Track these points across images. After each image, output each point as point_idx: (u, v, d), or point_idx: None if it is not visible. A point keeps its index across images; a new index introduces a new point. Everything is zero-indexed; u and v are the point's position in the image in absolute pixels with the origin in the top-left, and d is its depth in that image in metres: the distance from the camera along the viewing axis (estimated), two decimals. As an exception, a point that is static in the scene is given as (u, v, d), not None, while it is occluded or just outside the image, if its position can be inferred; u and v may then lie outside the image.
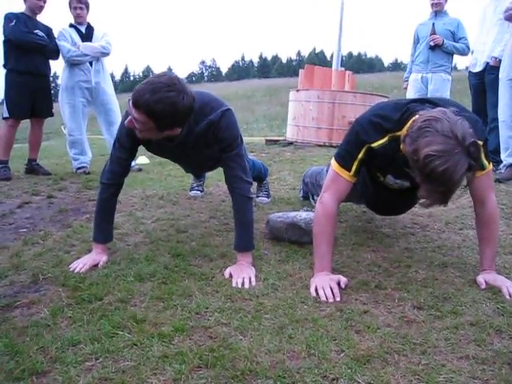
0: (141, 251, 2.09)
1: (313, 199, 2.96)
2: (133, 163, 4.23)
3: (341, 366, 1.23)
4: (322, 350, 1.30)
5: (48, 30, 4.15)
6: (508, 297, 1.65)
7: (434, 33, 4.69)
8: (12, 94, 3.98)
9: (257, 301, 1.61)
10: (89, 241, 2.15)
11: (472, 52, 4.47)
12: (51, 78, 4.48)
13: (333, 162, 1.83)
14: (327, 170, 2.46)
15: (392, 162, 1.72)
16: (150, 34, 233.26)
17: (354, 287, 1.74)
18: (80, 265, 1.88)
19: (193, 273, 1.84)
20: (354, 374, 1.20)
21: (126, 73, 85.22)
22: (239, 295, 1.65)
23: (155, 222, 2.59)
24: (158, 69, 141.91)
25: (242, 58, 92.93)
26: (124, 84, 72.92)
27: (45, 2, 4.06)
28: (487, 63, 4.05)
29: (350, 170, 1.76)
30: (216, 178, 3.56)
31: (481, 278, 1.77)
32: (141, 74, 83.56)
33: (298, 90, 6.80)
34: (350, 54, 77.98)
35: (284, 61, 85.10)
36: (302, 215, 2.23)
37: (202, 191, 3.27)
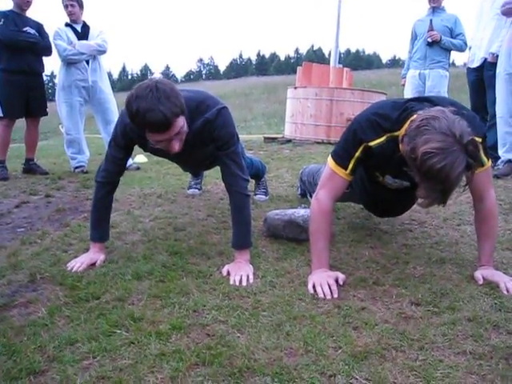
0: (138, 250, 2.09)
1: (310, 197, 2.96)
2: (131, 161, 4.23)
3: (338, 363, 1.23)
4: (319, 346, 1.30)
5: (39, 27, 4.14)
6: (505, 292, 1.65)
7: (431, 29, 4.69)
8: (5, 94, 3.96)
9: (254, 298, 1.61)
10: (86, 240, 2.15)
11: (470, 48, 4.47)
12: (48, 77, 4.49)
13: (329, 159, 1.83)
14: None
15: (390, 162, 1.72)
16: (147, 32, 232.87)
17: (352, 284, 1.74)
18: (77, 264, 1.88)
19: (190, 271, 1.84)
20: (351, 370, 1.20)
21: (123, 71, 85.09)
22: (237, 293, 1.65)
23: (153, 220, 2.59)
24: (156, 67, 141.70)
25: (240, 56, 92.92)
26: (122, 82, 72.86)
27: None
28: (485, 59, 4.04)
29: (346, 169, 1.76)
30: (214, 176, 3.55)
31: (478, 274, 1.77)
32: (139, 73, 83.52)
33: (295, 88, 6.80)
34: (348, 51, 77.95)
35: (282, 58, 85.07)
36: (300, 212, 2.23)
37: (199, 189, 3.27)
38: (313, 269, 1.77)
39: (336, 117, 6.26)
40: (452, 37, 4.74)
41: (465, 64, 4.81)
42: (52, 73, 47.66)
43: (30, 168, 4.22)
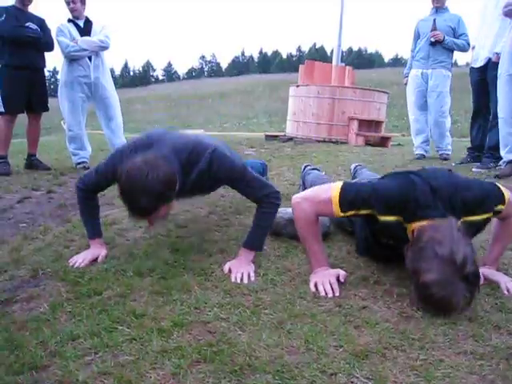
0: (140, 246, 2.09)
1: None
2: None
3: (339, 361, 1.23)
4: (320, 345, 1.30)
5: (41, 22, 4.13)
6: (506, 292, 1.65)
7: (435, 29, 4.68)
8: (7, 89, 3.96)
9: (256, 296, 1.61)
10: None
11: (473, 47, 4.46)
12: (51, 73, 4.49)
13: (337, 189, 1.70)
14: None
15: (393, 234, 1.71)
16: (149, 28, 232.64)
17: (353, 283, 1.74)
18: (79, 259, 1.89)
19: (192, 268, 1.84)
20: (352, 369, 1.20)
21: (125, 68, 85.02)
22: (238, 290, 1.66)
23: (155, 217, 2.58)
24: (158, 64, 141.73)
25: (242, 54, 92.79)
26: (124, 79, 72.90)
27: None
28: (489, 59, 4.03)
29: (344, 212, 1.69)
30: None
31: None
32: (140, 69, 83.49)
33: (297, 86, 6.80)
34: (350, 50, 77.82)
35: (284, 56, 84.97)
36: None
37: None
38: (313, 269, 1.77)
39: (338, 115, 6.27)
40: (455, 37, 4.72)
41: (467, 64, 4.80)
42: (54, 68, 47.64)
43: (32, 163, 4.23)
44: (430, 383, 1.15)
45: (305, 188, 2.94)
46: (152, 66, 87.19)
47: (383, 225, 1.67)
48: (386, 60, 77.44)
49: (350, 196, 1.69)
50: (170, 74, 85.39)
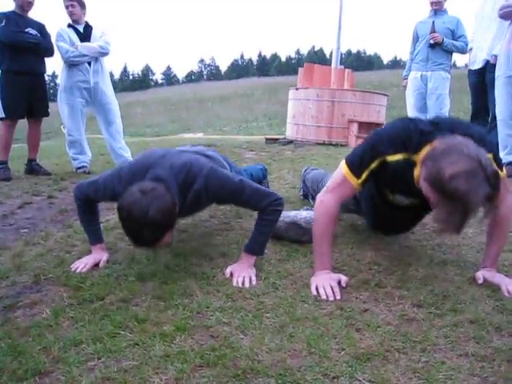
0: (141, 251, 2.09)
1: (313, 200, 2.96)
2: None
3: (341, 365, 1.24)
4: (322, 348, 1.31)
5: (40, 27, 4.14)
6: (507, 294, 1.66)
7: (433, 31, 4.69)
8: (7, 95, 3.97)
9: (257, 300, 1.62)
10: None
11: (470, 49, 4.47)
12: (50, 78, 4.50)
13: (343, 165, 1.79)
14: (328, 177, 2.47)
15: (401, 181, 1.72)
16: (149, 32, 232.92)
17: (355, 285, 1.75)
18: (81, 265, 1.89)
19: (193, 272, 1.85)
20: (354, 372, 1.21)
21: (125, 72, 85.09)
22: (240, 294, 1.66)
23: (156, 221, 2.59)
24: (157, 68, 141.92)
25: (241, 57, 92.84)
26: (123, 83, 72.93)
27: None
28: (487, 61, 4.05)
29: (359, 178, 1.74)
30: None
31: (479, 274, 1.79)
32: (140, 73, 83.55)
33: (297, 89, 6.81)
34: (349, 52, 77.91)
35: (283, 59, 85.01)
36: (303, 214, 2.23)
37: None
38: (315, 270, 1.78)
39: (337, 118, 6.27)
40: (454, 39, 4.74)
41: (466, 65, 4.81)
42: (53, 73, 47.69)
43: (33, 168, 4.23)
44: (432, 386, 1.16)
45: (306, 188, 2.94)
46: (151, 70, 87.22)
47: (391, 168, 1.68)
48: (385, 62, 77.49)
49: (357, 159, 1.76)
50: (170, 78, 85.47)
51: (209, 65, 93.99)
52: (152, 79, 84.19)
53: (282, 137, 6.98)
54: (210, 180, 1.85)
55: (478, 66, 4.18)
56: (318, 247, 1.80)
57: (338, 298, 1.63)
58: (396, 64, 62.30)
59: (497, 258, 1.84)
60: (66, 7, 4.19)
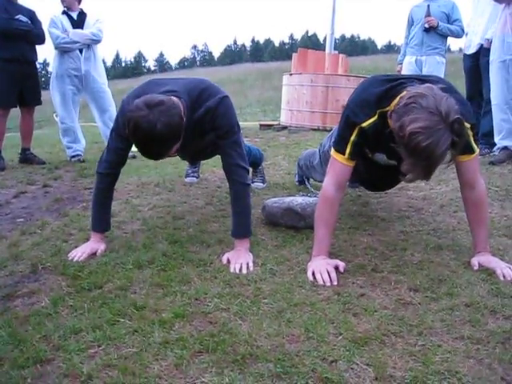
0: (138, 239, 2.10)
1: (308, 182, 2.97)
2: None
3: (339, 349, 1.25)
4: (320, 333, 1.32)
5: (31, 14, 4.08)
6: (502, 278, 1.68)
7: (428, 15, 4.66)
8: None
9: (255, 286, 1.63)
10: (86, 229, 2.16)
11: (466, 34, 4.45)
12: (42, 65, 4.45)
13: (332, 149, 1.85)
14: (320, 151, 2.49)
15: (381, 138, 1.73)
16: (141, 19, 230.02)
17: (351, 271, 1.76)
18: (79, 253, 1.89)
19: (191, 259, 1.85)
20: (352, 356, 1.22)
21: (117, 59, 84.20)
22: (237, 281, 1.67)
23: (152, 209, 2.59)
24: (150, 54, 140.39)
25: (235, 42, 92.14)
26: (116, 70, 72.19)
27: None
28: (481, 45, 4.03)
29: (344, 153, 1.77)
30: (211, 164, 3.56)
31: (474, 260, 1.80)
32: (132, 60, 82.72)
33: (291, 74, 6.77)
34: (343, 37, 77.45)
35: (277, 44, 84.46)
36: (298, 200, 2.24)
37: (197, 177, 3.27)
38: (312, 255, 1.79)
39: (332, 103, 6.25)
40: (449, 23, 4.71)
41: (460, 49, 4.80)
42: (45, 61, 47.14)
43: (27, 158, 4.20)
44: (429, 368, 1.18)
45: (301, 171, 2.94)
46: (144, 57, 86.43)
47: (370, 132, 1.71)
48: (380, 47, 77.16)
49: (338, 137, 1.82)
50: (162, 65, 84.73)
51: (202, 51, 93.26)
52: (145, 66, 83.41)
53: (277, 123, 6.96)
54: (222, 103, 1.90)
55: (472, 50, 4.16)
56: (316, 232, 1.82)
57: (335, 283, 1.65)
58: (390, 49, 62.08)
59: (486, 240, 1.85)
60: None
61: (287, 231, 2.19)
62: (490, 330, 1.35)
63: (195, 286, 1.62)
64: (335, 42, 7.86)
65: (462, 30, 4.68)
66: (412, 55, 4.89)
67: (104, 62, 6.52)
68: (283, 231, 2.19)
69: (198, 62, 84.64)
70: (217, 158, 2.05)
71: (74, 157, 4.27)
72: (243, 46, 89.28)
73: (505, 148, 3.61)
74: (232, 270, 1.76)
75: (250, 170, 2.95)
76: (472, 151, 1.73)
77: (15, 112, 4.19)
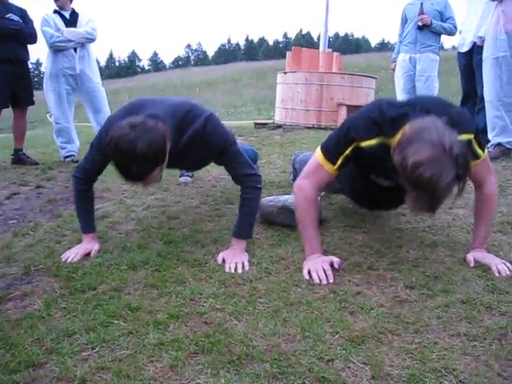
0: (133, 239, 2.08)
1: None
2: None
3: (336, 348, 1.25)
4: (316, 332, 1.32)
5: (22, 13, 4.04)
6: (497, 274, 1.68)
7: (422, 13, 4.67)
8: None
9: (250, 285, 1.62)
10: (79, 230, 2.14)
11: (460, 32, 4.46)
12: (34, 65, 4.42)
13: (318, 151, 1.82)
14: None
15: (380, 165, 1.71)
16: (134, 18, 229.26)
17: (347, 269, 1.76)
18: (72, 255, 1.87)
19: (186, 259, 1.84)
20: (348, 354, 1.22)
21: (111, 58, 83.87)
22: (233, 280, 1.66)
23: (146, 209, 2.58)
24: (144, 54, 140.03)
25: (229, 41, 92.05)
26: (109, 70, 71.93)
27: None
28: (474, 43, 4.04)
29: (334, 164, 1.75)
30: (206, 164, 3.53)
31: (470, 256, 1.80)
32: (126, 60, 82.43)
33: (285, 73, 6.76)
34: (337, 35, 77.52)
35: (271, 43, 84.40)
36: (293, 198, 2.23)
37: (191, 177, 3.25)
38: (306, 255, 1.79)
39: (326, 101, 6.25)
40: (442, 21, 4.72)
41: (453, 47, 4.81)
42: (37, 60, 46.88)
43: (20, 158, 4.16)
44: (425, 366, 1.17)
45: (295, 171, 2.94)
46: (138, 56, 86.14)
47: (367, 153, 1.69)
48: (373, 45, 77.33)
49: (331, 146, 1.79)
50: (156, 64, 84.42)
51: (196, 50, 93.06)
52: (138, 65, 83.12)
53: (271, 121, 6.95)
54: (209, 123, 1.87)
55: (466, 48, 4.17)
56: (304, 233, 1.80)
57: (331, 281, 1.64)
58: (384, 47, 62.21)
59: (486, 238, 1.86)
60: None
61: (282, 230, 2.18)
62: (486, 326, 1.35)
63: (190, 286, 1.61)
64: (329, 41, 7.86)
65: (455, 28, 4.70)
66: (406, 53, 4.89)
67: (98, 62, 6.48)
68: (278, 230, 2.18)
69: (192, 61, 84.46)
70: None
71: (67, 157, 4.25)
72: (237, 44, 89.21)
73: (498, 144, 3.62)
74: (227, 270, 1.75)
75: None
76: (477, 157, 1.72)
77: (8, 112, 4.16)
